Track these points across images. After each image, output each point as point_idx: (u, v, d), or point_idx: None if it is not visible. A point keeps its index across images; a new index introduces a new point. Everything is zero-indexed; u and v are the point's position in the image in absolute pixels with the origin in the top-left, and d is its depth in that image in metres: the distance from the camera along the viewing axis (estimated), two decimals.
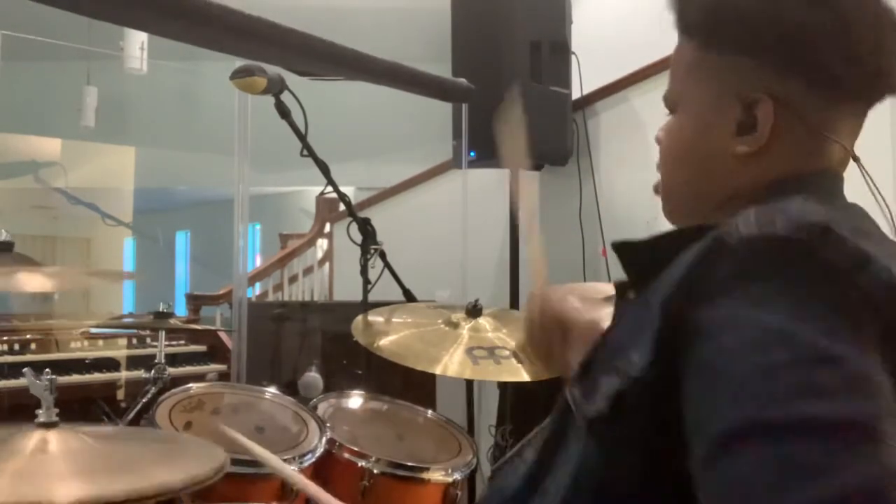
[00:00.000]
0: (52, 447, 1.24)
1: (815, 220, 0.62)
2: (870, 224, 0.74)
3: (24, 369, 1.34)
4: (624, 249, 0.79)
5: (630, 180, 3.31)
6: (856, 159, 0.79)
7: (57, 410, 1.30)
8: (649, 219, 3.28)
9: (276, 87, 2.09)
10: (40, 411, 1.29)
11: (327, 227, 5.31)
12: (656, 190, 0.89)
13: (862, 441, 0.52)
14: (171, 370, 2.08)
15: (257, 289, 5.25)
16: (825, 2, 0.72)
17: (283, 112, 2.12)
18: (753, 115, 0.74)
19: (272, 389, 2.04)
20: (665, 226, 0.85)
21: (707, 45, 0.78)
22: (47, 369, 1.34)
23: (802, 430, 0.53)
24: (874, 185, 0.82)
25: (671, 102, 0.84)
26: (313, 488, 1.05)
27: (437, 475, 1.82)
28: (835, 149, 0.76)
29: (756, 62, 0.74)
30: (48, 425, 1.28)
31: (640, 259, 0.78)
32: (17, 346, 3.26)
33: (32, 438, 1.25)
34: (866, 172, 0.81)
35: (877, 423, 0.53)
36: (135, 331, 3.61)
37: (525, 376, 1.72)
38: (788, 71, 0.73)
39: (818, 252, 0.60)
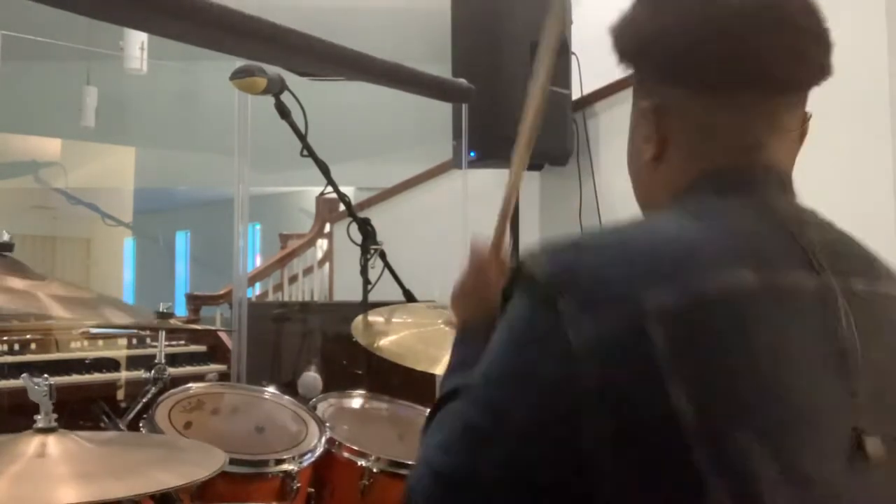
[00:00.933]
0: (50, 451, 1.24)
1: (557, 247, 0.72)
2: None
3: (23, 375, 1.34)
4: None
5: (630, 180, 3.31)
6: (759, 148, 0.78)
7: (56, 416, 1.30)
8: None
9: (276, 88, 2.09)
10: (39, 416, 1.29)
11: (327, 228, 5.31)
12: None
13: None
14: (172, 370, 2.07)
15: (257, 289, 5.25)
16: (690, 9, 0.77)
17: (283, 112, 2.12)
18: (650, 122, 0.80)
19: (271, 389, 2.04)
20: None
21: (626, 67, 0.85)
22: (45, 374, 1.34)
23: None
24: None
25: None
26: None
27: None
28: (731, 144, 0.78)
29: (645, 76, 0.83)
30: (47, 430, 1.28)
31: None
32: (16, 347, 3.26)
33: (31, 443, 1.25)
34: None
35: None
36: (135, 331, 3.60)
37: None
38: (669, 74, 0.79)
39: (529, 279, 0.70)
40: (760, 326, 0.65)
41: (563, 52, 3.21)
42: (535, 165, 3.49)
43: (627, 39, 0.83)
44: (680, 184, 0.78)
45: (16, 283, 1.42)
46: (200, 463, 1.32)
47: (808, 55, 0.76)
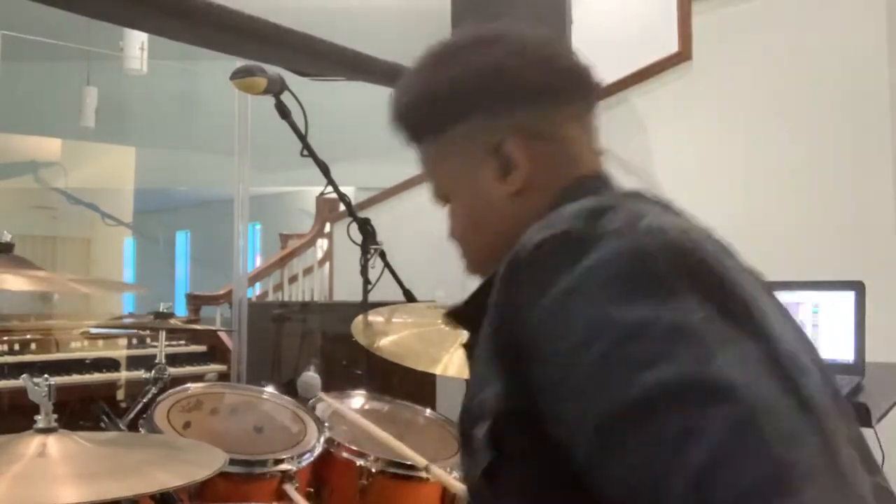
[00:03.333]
0: (51, 451, 1.24)
1: (585, 207, 0.69)
2: (647, 204, 0.78)
3: (23, 375, 1.34)
4: (453, 318, 0.86)
5: (630, 181, 3.31)
6: (604, 153, 0.89)
7: (56, 416, 1.30)
8: None
9: (276, 88, 2.09)
10: (39, 417, 1.29)
11: (327, 228, 5.31)
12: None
13: (705, 397, 0.54)
14: (172, 370, 2.07)
15: (257, 289, 5.25)
16: (491, 42, 0.84)
17: (284, 112, 2.12)
18: (506, 156, 0.82)
19: (270, 389, 2.04)
20: None
21: (434, 134, 0.87)
22: (46, 374, 1.34)
23: (654, 403, 0.55)
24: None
25: (441, 197, 0.92)
26: None
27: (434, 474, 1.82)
28: (584, 153, 0.86)
29: (477, 118, 0.83)
30: (47, 431, 1.28)
31: (467, 319, 0.84)
32: (17, 347, 3.27)
33: (32, 443, 1.25)
34: (623, 165, 0.97)
35: (706, 375, 0.55)
36: (135, 331, 3.61)
37: None
38: (508, 104, 0.82)
39: (596, 230, 0.65)
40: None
41: None
42: None
43: (455, 88, 0.84)
44: (545, 205, 0.80)
45: (31, 272, 1.43)
46: (200, 463, 1.32)
47: (591, 69, 0.88)
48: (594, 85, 0.88)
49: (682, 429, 0.53)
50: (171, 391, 1.91)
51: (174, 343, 3.59)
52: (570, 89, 0.85)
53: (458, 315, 0.85)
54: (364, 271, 2.18)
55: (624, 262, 0.62)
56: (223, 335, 3.69)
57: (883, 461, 2.30)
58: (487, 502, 0.74)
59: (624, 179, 0.91)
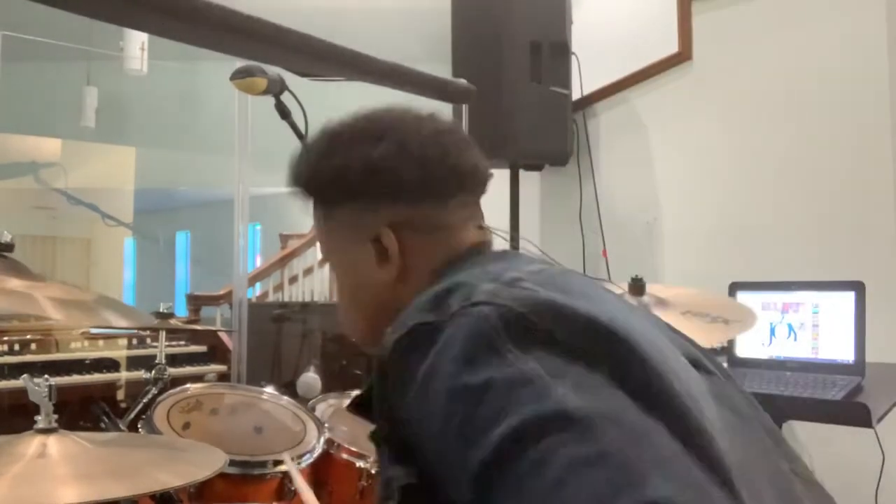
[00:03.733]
0: (51, 452, 1.24)
1: (431, 295, 0.73)
2: (505, 261, 0.84)
3: (24, 375, 1.34)
4: (354, 411, 0.88)
5: (630, 180, 3.31)
6: (487, 230, 0.94)
7: (56, 416, 1.30)
8: (649, 219, 3.28)
9: (276, 88, 2.08)
10: (39, 417, 1.29)
11: None
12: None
13: (545, 429, 0.58)
14: (172, 371, 2.07)
15: (258, 289, 5.25)
16: (382, 134, 0.88)
17: (284, 112, 2.11)
18: (382, 246, 0.88)
19: (270, 390, 2.04)
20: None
21: (323, 205, 0.94)
22: (46, 375, 1.34)
23: (505, 454, 0.59)
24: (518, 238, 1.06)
25: (327, 263, 0.98)
26: None
27: None
28: (463, 233, 0.90)
29: (358, 205, 0.89)
30: (47, 431, 1.28)
31: (367, 409, 0.86)
32: (17, 347, 3.27)
33: (32, 444, 1.25)
34: (502, 236, 1.01)
35: (545, 410, 0.59)
36: (135, 331, 3.61)
37: None
38: (384, 200, 0.88)
39: (441, 316, 0.69)
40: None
41: (564, 52, 3.21)
42: (535, 166, 3.49)
43: (337, 176, 0.89)
44: (422, 286, 0.83)
45: (14, 283, 1.42)
46: (200, 463, 1.32)
47: (482, 164, 0.93)
48: (480, 180, 0.93)
49: (532, 462, 0.56)
50: (170, 392, 1.91)
51: (174, 343, 3.59)
52: (449, 186, 0.90)
53: (358, 406, 0.88)
54: None
55: (466, 335, 0.66)
56: (223, 335, 3.69)
57: (883, 461, 2.30)
58: None
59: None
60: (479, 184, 0.94)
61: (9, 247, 1.51)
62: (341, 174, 0.89)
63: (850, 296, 2.04)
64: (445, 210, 0.90)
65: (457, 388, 0.64)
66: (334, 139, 0.93)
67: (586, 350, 0.64)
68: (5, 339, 3.25)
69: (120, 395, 3.34)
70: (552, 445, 0.56)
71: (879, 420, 1.71)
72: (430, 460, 0.68)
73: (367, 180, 0.88)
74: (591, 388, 0.60)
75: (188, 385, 1.99)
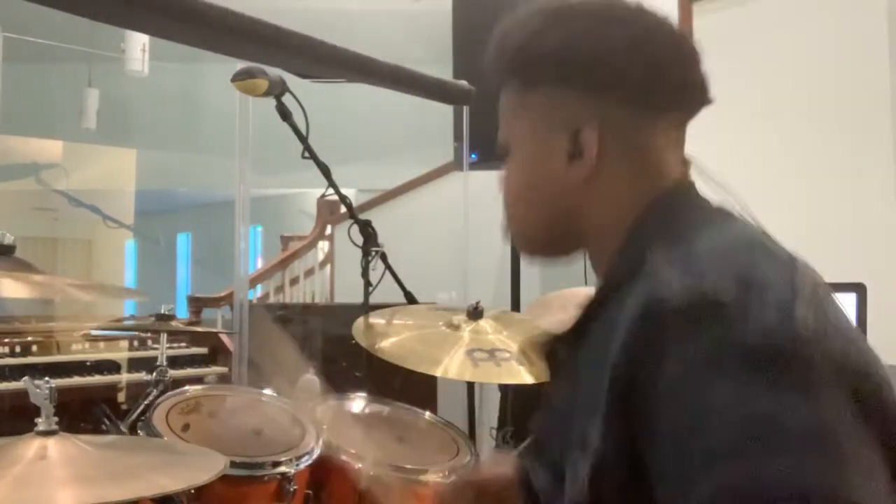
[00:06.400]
0: (51, 454, 1.24)
1: (736, 274, 0.64)
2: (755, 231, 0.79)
3: (24, 377, 1.34)
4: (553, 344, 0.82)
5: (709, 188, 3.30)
6: (690, 163, 0.85)
7: (56, 419, 1.30)
8: None
9: (277, 89, 2.08)
10: (40, 419, 1.29)
11: (328, 229, 5.31)
12: (505, 232, 0.90)
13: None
14: (173, 372, 2.07)
15: (258, 291, 5.26)
16: (620, 22, 0.78)
17: (284, 114, 2.12)
18: (579, 142, 0.78)
19: (269, 391, 2.04)
20: None
21: (525, 85, 0.82)
22: (46, 377, 1.34)
23: (770, 493, 0.54)
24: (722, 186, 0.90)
25: (503, 147, 0.87)
26: None
27: (434, 477, 1.81)
28: (670, 160, 0.81)
29: (570, 90, 0.78)
30: (47, 433, 1.28)
31: (564, 339, 0.80)
32: (18, 349, 3.26)
33: (32, 446, 1.25)
34: (710, 176, 0.89)
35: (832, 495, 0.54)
36: (136, 333, 3.61)
37: (526, 378, 1.72)
38: (602, 93, 0.77)
39: (749, 311, 0.61)
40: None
41: None
42: None
43: (561, 51, 0.78)
44: (623, 204, 0.78)
45: (30, 277, 1.43)
46: (201, 467, 1.32)
47: (708, 82, 0.82)
48: (703, 102, 0.83)
49: None
50: (169, 393, 1.91)
51: (175, 345, 3.59)
52: (672, 101, 0.80)
53: (561, 338, 0.81)
54: (365, 273, 2.18)
55: (777, 348, 0.60)
56: (224, 337, 3.69)
57: None
58: None
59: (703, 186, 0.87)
60: (699, 104, 0.83)
61: (10, 249, 1.51)
62: (566, 49, 0.78)
63: (851, 298, 2.04)
64: (656, 125, 0.80)
65: (745, 410, 0.57)
66: (571, 11, 0.80)
67: (866, 406, 0.60)
68: (6, 340, 3.25)
69: (121, 396, 3.34)
70: None
71: None
72: (652, 442, 0.62)
73: (593, 65, 0.77)
74: (878, 478, 0.57)
75: (187, 387, 1.98)
